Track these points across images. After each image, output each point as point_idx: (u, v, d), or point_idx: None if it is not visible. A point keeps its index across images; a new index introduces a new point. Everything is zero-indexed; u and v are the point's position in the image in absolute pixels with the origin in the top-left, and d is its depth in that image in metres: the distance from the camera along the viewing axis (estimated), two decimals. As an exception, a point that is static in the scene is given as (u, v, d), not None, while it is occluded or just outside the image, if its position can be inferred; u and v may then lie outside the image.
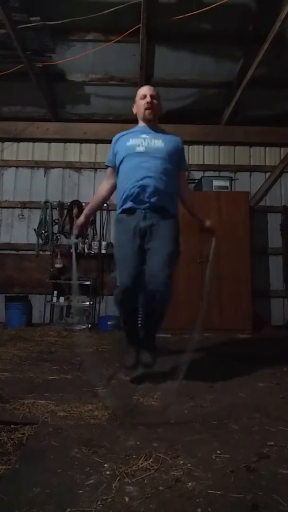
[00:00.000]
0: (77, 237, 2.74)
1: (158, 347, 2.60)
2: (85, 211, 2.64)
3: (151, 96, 2.41)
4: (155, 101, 2.42)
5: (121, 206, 2.38)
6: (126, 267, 2.29)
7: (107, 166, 2.58)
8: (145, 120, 2.44)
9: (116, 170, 2.48)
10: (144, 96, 2.42)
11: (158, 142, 2.35)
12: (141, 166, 2.29)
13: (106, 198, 2.65)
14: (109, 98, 4.89)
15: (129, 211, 2.33)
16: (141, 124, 2.48)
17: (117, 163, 2.43)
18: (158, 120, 2.52)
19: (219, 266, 4.58)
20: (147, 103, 2.39)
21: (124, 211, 2.36)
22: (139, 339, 2.52)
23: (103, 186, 2.60)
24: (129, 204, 2.32)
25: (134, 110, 2.52)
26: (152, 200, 2.28)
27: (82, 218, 2.60)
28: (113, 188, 2.56)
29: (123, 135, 2.49)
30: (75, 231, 2.65)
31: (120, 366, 2.63)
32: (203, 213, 2.55)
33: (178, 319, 4.26)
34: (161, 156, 2.32)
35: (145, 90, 2.45)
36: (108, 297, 5.28)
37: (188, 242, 4.46)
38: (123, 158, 2.37)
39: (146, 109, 2.40)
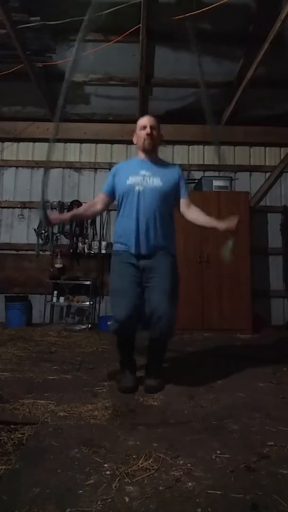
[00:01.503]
0: (47, 223, 2.73)
1: (164, 374, 2.55)
2: (73, 212, 2.81)
3: (151, 127, 2.44)
4: (154, 132, 2.45)
5: (119, 242, 2.44)
6: (123, 298, 2.32)
7: (101, 192, 2.62)
8: (145, 151, 2.47)
9: (108, 198, 2.57)
10: (144, 127, 2.44)
11: (156, 181, 2.39)
12: (140, 208, 2.34)
13: (90, 216, 2.75)
14: (109, 98, 4.89)
15: (127, 253, 2.38)
16: (141, 155, 2.51)
17: (117, 197, 2.49)
18: (157, 149, 2.56)
19: (219, 266, 4.59)
20: (147, 134, 2.42)
21: (121, 249, 2.42)
22: (135, 365, 2.55)
23: (91, 207, 2.62)
24: (127, 246, 2.37)
25: (134, 140, 2.53)
26: (149, 244, 2.34)
27: (68, 214, 2.74)
28: (100, 211, 2.68)
29: (123, 168, 2.55)
30: (47, 221, 2.61)
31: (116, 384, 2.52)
32: (213, 221, 2.50)
33: (178, 319, 4.25)
34: (159, 197, 2.37)
35: (145, 121, 2.47)
36: (108, 297, 5.27)
37: (188, 242, 4.49)
38: (123, 196, 2.43)
39: (146, 140, 2.43)
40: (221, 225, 2.42)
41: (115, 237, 2.51)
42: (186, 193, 2.54)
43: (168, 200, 2.43)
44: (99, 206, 2.60)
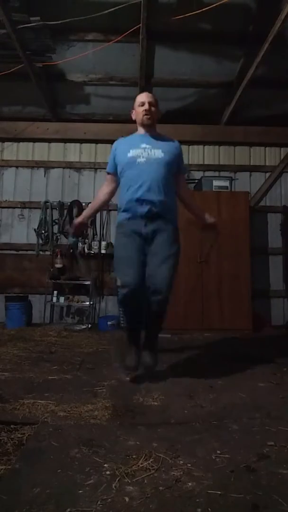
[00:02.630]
0: (74, 237, 2.83)
1: (158, 349, 2.62)
2: (84, 213, 2.77)
3: (149, 103, 2.48)
4: (153, 108, 2.50)
5: (123, 212, 2.48)
6: (129, 267, 2.35)
7: (107, 173, 2.68)
8: (144, 126, 2.52)
9: (116, 176, 2.60)
10: (143, 104, 2.49)
11: (158, 152, 2.43)
12: (142, 177, 2.38)
13: (105, 202, 2.75)
14: (109, 98, 4.89)
15: (131, 219, 2.43)
16: (140, 130, 2.56)
17: (119, 171, 2.53)
18: (156, 124, 2.59)
19: (219, 266, 4.59)
20: (145, 110, 2.47)
21: (125, 218, 2.46)
22: (140, 340, 2.58)
23: (103, 191, 2.69)
24: (130, 214, 2.42)
25: (133, 116, 2.58)
26: (152, 210, 2.38)
27: (80, 218, 2.73)
28: (113, 193, 2.69)
29: (123, 143, 2.57)
30: (71, 230, 2.75)
31: (119, 366, 2.64)
32: (203, 211, 2.65)
33: (178, 319, 4.26)
34: (161, 167, 2.41)
35: (143, 97, 2.52)
36: (108, 297, 5.28)
37: (188, 242, 4.49)
38: (125, 167, 2.46)
39: (144, 115, 2.48)
40: (208, 217, 2.56)
41: (119, 208, 2.53)
42: (184, 171, 2.62)
43: (170, 171, 2.47)
44: (111, 186, 2.65)
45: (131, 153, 2.44)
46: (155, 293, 2.33)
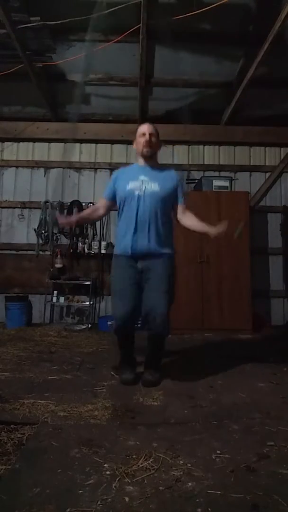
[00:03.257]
0: (60, 228, 2.95)
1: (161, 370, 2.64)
2: (79, 216, 2.88)
3: (150, 135, 2.54)
4: (153, 139, 2.56)
5: (120, 246, 2.55)
6: (122, 300, 2.45)
7: (104, 197, 2.73)
8: (144, 157, 2.58)
9: (109, 203, 2.69)
10: (143, 134, 2.55)
11: (154, 186, 2.50)
12: (139, 212, 2.46)
13: (95, 219, 3.07)
14: (109, 98, 4.89)
15: (126, 255, 2.50)
16: (140, 161, 2.62)
17: (118, 202, 2.61)
18: (157, 156, 2.66)
19: (219, 266, 4.59)
20: (146, 141, 2.53)
21: (121, 253, 2.53)
22: (135, 363, 2.69)
23: (97, 211, 2.74)
24: (126, 251, 2.48)
25: (134, 146, 2.65)
26: (149, 246, 2.45)
27: (74, 218, 2.85)
28: (101, 217, 2.93)
29: (123, 174, 2.65)
30: (60, 220, 2.87)
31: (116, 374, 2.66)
32: (206, 228, 2.59)
33: (178, 319, 4.26)
34: (158, 202, 2.48)
35: (144, 128, 2.57)
36: (108, 297, 5.27)
37: (188, 242, 4.49)
38: (124, 201, 2.53)
39: (144, 147, 2.53)
40: (212, 231, 2.52)
41: (116, 241, 2.64)
42: (183, 199, 2.65)
43: (166, 204, 2.55)
44: (101, 211, 2.73)
45: (130, 185, 2.51)
46: (154, 320, 2.41)
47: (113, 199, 2.66)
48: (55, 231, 5.27)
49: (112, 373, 2.71)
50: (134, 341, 2.64)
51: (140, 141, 2.56)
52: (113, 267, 2.60)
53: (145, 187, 2.49)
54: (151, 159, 2.60)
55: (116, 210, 2.68)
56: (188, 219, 2.62)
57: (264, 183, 5.46)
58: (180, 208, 2.64)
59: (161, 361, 2.68)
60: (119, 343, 2.62)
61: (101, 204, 2.73)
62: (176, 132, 5.18)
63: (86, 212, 2.87)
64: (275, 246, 5.37)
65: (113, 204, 2.69)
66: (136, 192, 2.48)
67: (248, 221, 4.70)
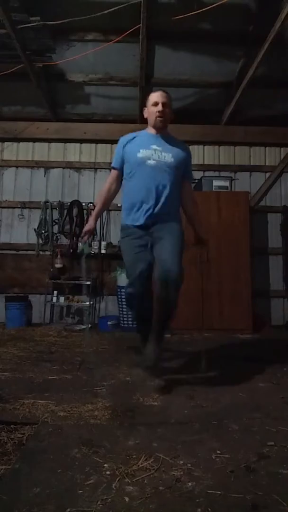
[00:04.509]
0: (85, 244, 2.74)
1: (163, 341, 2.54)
2: (94, 215, 2.64)
3: (163, 104, 2.39)
4: (167, 109, 2.42)
5: (129, 217, 2.45)
6: (136, 267, 2.33)
7: (113, 168, 2.57)
8: (156, 127, 2.45)
9: (122, 174, 2.53)
10: (156, 104, 2.40)
11: (168, 157, 2.39)
12: (151, 182, 2.35)
13: (111, 199, 2.66)
14: (109, 98, 4.89)
15: (136, 226, 2.41)
16: (151, 130, 2.49)
17: (127, 171, 2.47)
18: (168, 125, 2.52)
19: (219, 266, 4.59)
20: (159, 111, 2.39)
21: (131, 224, 2.43)
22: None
23: (108, 188, 2.59)
24: (137, 220, 2.40)
25: (145, 115, 2.50)
26: (159, 216, 2.37)
27: (92, 223, 2.61)
28: (117, 190, 2.61)
29: (132, 140, 2.48)
30: (85, 238, 2.61)
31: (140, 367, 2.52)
32: (202, 226, 2.59)
33: (178, 319, 4.25)
34: (170, 172, 2.38)
35: (157, 96, 2.42)
36: (108, 297, 5.28)
37: (188, 242, 4.47)
38: (134, 169, 2.41)
39: (157, 117, 2.40)
40: (199, 235, 2.52)
41: (124, 211, 2.49)
42: (191, 177, 2.57)
43: (178, 176, 2.44)
44: (116, 183, 2.57)
45: (141, 153, 2.38)
46: (166, 277, 2.22)
47: (124, 165, 2.52)
48: (55, 230, 5.25)
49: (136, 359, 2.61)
50: (151, 313, 2.36)
51: (153, 111, 2.40)
52: (123, 238, 2.49)
53: (158, 156, 2.37)
54: (163, 129, 2.47)
55: (116, 209, 2.62)
56: (189, 207, 2.55)
57: (264, 183, 5.46)
58: (186, 187, 2.54)
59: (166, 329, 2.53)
60: (136, 316, 2.48)
61: (114, 177, 2.56)
62: (176, 132, 5.14)
63: (100, 202, 2.61)
64: (275, 246, 5.37)
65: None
66: (148, 161, 2.35)
67: (248, 221, 4.71)
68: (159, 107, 2.38)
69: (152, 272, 2.35)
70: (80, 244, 2.68)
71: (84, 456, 1.51)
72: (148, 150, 2.38)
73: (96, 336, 4.21)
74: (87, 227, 2.60)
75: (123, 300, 4.65)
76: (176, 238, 2.37)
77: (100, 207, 2.64)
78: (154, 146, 2.39)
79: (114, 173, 2.58)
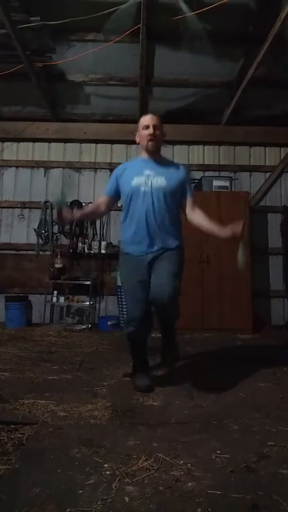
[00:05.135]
0: (60, 217, 2.60)
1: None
2: (82, 212, 2.73)
3: (154, 127, 2.37)
4: (157, 132, 2.40)
5: (128, 245, 2.44)
6: (134, 298, 2.34)
7: (104, 194, 2.59)
8: (148, 151, 2.43)
9: (112, 200, 2.57)
10: (147, 127, 2.39)
11: (161, 180, 2.37)
12: (146, 209, 2.34)
13: (98, 216, 2.66)
14: (109, 98, 4.89)
15: (135, 254, 2.40)
16: (144, 155, 2.48)
17: (124, 200, 2.46)
18: (160, 148, 2.51)
19: (219, 266, 4.59)
20: (150, 135, 2.37)
21: (129, 251, 2.42)
22: (148, 366, 2.54)
23: (100, 207, 2.58)
24: (134, 250, 2.39)
25: (137, 140, 2.49)
26: (157, 244, 2.35)
27: (78, 214, 2.65)
28: (103, 214, 2.66)
29: (126, 169, 2.50)
30: (67, 214, 2.51)
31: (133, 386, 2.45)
32: (216, 229, 2.40)
33: (178, 319, 4.25)
34: (165, 197, 2.36)
35: (148, 120, 2.40)
36: (108, 297, 5.27)
37: (188, 242, 4.46)
38: (129, 198, 2.40)
39: (149, 140, 2.38)
40: (225, 233, 2.31)
41: (124, 240, 2.50)
42: (191, 194, 2.51)
43: (174, 199, 2.41)
44: (103, 208, 2.59)
45: (135, 181, 2.38)
46: (161, 302, 2.24)
47: (115, 196, 2.54)
48: (54, 230, 5.27)
49: (126, 378, 2.61)
50: (147, 344, 2.49)
51: (144, 134, 2.39)
52: (122, 265, 2.51)
53: (151, 182, 2.36)
54: (155, 152, 2.45)
55: (116, 209, 2.62)
56: (197, 217, 2.47)
57: (264, 183, 5.46)
58: (188, 203, 2.49)
59: (176, 353, 2.62)
60: (132, 347, 2.48)
61: (103, 201, 2.58)
62: (176, 132, 5.17)
63: (89, 209, 2.68)
64: (275, 246, 5.37)
65: (115, 200, 2.58)
66: (142, 188, 2.35)
67: (248, 221, 4.71)
68: (150, 130, 2.37)
69: (150, 310, 2.37)
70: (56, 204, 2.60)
71: (84, 456, 1.51)
72: (141, 177, 2.38)
73: (96, 336, 4.21)
74: (67, 213, 2.47)
75: (123, 300, 4.66)
76: (173, 263, 2.34)
77: (89, 211, 2.66)
78: (147, 172, 2.39)
79: (104, 198, 2.59)
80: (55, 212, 5.27)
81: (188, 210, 2.49)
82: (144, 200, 2.34)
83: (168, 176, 2.39)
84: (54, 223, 5.25)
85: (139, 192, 2.36)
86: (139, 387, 2.35)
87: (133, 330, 2.34)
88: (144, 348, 2.49)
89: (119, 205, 2.76)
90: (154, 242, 2.35)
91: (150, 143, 2.39)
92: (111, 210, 5.08)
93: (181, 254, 2.43)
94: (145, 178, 2.37)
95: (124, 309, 4.66)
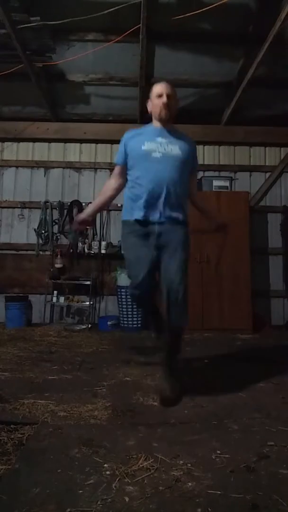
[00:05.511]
0: (75, 233, 2.55)
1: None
2: (88, 209, 2.53)
3: (168, 96, 2.27)
4: (172, 101, 2.30)
5: (133, 211, 2.28)
6: (140, 264, 2.20)
7: (116, 164, 2.45)
8: (161, 120, 2.32)
9: (126, 169, 2.39)
10: (160, 95, 2.28)
11: (175, 149, 2.27)
12: (158, 175, 2.22)
13: (112, 198, 2.51)
14: (109, 98, 4.89)
15: (141, 221, 2.26)
16: (156, 124, 2.36)
17: (130, 164, 2.34)
18: (173, 119, 2.40)
19: (219, 266, 4.59)
20: (164, 103, 2.27)
21: (135, 219, 2.27)
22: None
23: (110, 185, 2.46)
24: (141, 215, 2.24)
25: (149, 108, 2.38)
26: (165, 212, 2.23)
27: (83, 214, 2.51)
28: (121, 187, 2.45)
29: (136, 135, 2.36)
30: (73, 226, 2.54)
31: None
32: (214, 211, 2.46)
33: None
34: (178, 166, 2.26)
35: (162, 88, 2.29)
36: (108, 297, 5.27)
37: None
38: (138, 161, 2.28)
39: (162, 110, 2.28)
40: (217, 220, 2.42)
41: (127, 206, 2.35)
42: (196, 168, 2.48)
43: (185, 170, 2.31)
44: (120, 180, 2.42)
45: (146, 145, 2.25)
46: (173, 296, 2.15)
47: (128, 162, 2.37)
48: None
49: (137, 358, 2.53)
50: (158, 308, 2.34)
51: (157, 104, 2.28)
52: (125, 235, 2.34)
53: (164, 149, 2.24)
54: (168, 122, 2.33)
55: (116, 209, 2.55)
56: (198, 199, 2.45)
57: (264, 183, 5.46)
58: (193, 181, 2.43)
59: (177, 363, 2.35)
60: (145, 313, 2.51)
61: (116, 173, 2.41)
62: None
63: (100, 199, 2.49)
64: (275, 246, 5.37)
65: None
66: (154, 154, 2.22)
67: (248, 221, 4.71)
68: (164, 99, 2.26)
69: (156, 272, 2.26)
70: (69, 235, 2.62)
71: (84, 456, 1.51)
72: (153, 143, 2.26)
73: (96, 336, 4.21)
74: (82, 215, 2.45)
75: (123, 300, 4.66)
76: (183, 251, 2.24)
77: (102, 201, 2.50)
78: (160, 139, 2.27)
79: (117, 169, 2.43)
80: (55, 212, 5.29)
81: (192, 187, 2.44)
82: (157, 166, 2.22)
83: (181, 146, 2.30)
84: (54, 223, 5.25)
85: (150, 157, 2.23)
86: (164, 398, 2.11)
87: (138, 292, 2.26)
88: (154, 306, 2.37)
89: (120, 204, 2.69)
90: (165, 210, 2.22)
91: (163, 112, 2.28)
92: (111, 210, 5.17)
93: (188, 231, 2.32)
94: (157, 145, 2.25)
95: (124, 309, 4.66)
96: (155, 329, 2.50)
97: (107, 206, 3.06)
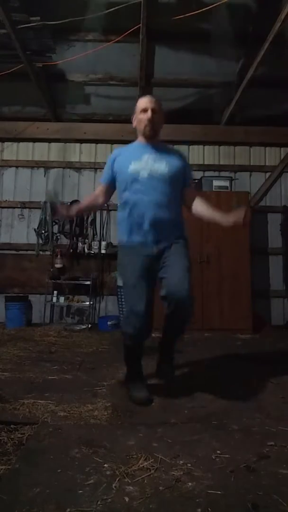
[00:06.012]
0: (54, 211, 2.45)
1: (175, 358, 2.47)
2: (78, 207, 2.48)
3: (152, 110, 2.21)
4: (156, 116, 2.23)
5: (127, 235, 2.24)
6: (137, 292, 2.14)
7: (101, 182, 2.42)
8: (146, 136, 2.26)
9: (109, 188, 2.38)
10: (145, 110, 2.23)
11: (161, 167, 2.19)
12: (148, 196, 2.16)
13: (95, 207, 2.46)
14: (109, 98, 4.89)
15: (135, 245, 2.21)
16: (141, 140, 2.31)
17: (120, 187, 2.29)
18: (159, 133, 2.33)
19: (219, 266, 4.59)
20: (148, 119, 2.21)
21: (129, 242, 2.23)
22: (143, 371, 2.34)
23: (97, 198, 2.43)
24: (134, 241, 2.20)
25: (134, 124, 2.33)
26: (158, 234, 2.17)
27: (74, 210, 2.44)
28: (102, 205, 2.44)
29: (123, 154, 2.33)
30: (56, 209, 2.43)
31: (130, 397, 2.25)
32: (218, 216, 2.25)
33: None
34: (164, 184, 2.19)
35: (145, 102, 2.25)
36: (108, 297, 5.27)
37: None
38: (127, 185, 2.22)
39: (147, 125, 2.22)
40: (227, 220, 2.16)
41: (120, 228, 2.29)
42: (191, 183, 2.39)
43: (175, 186, 2.24)
44: (101, 199, 2.41)
45: (133, 166, 2.19)
46: (178, 302, 2.07)
47: (113, 183, 2.34)
48: (55, 230, 5.26)
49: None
50: (143, 349, 2.29)
51: (142, 119, 2.22)
52: (123, 259, 2.27)
53: (151, 167, 2.17)
54: (153, 137, 2.26)
55: (115, 210, 2.54)
56: (198, 205, 2.31)
57: (264, 183, 5.46)
58: (188, 192, 2.33)
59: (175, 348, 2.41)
60: (128, 352, 2.29)
61: (100, 190, 2.39)
62: (176, 132, 5.17)
63: (85, 202, 2.48)
64: (275, 246, 5.37)
65: (114, 188, 2.37)
66: (141, 174, 2.16)
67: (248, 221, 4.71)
68: (148, 114, 2.20)
69: (152, 309, 2.18)
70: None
71: (84, 456, 1.51)
72: (139, 162, 2.20)
73: (96, 336, 4.21)
74: (63, 209, 2.39)
75: (123, 300, 4.65)
76: (183, 256, 2.18)
77: (86, 204, 2.48)
78: (146, 156, 2.21)
79: (102, 188, 2.41)
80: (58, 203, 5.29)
81: (188, 199, 2.33)
82: (144, 188, 2.16)
83: (169, 161, 2.22)
84: (54, 223, 5.25)
85: (137, 178, 2.17)
86: (136, 399, 2.15)
87: (132, 330, 2.15)
88: (141, 354, 2.30)
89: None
90: (158, 233, 2.16)
91: (147, 128, 2.22)
92: (111, 210, 5.17)
93: (187, 245, 2.26)
94: (143, 164, 2.19)
95: (124, 309, 4.65)
96: (132, 377, 2.33)
97: (89, 211, 2.93)
